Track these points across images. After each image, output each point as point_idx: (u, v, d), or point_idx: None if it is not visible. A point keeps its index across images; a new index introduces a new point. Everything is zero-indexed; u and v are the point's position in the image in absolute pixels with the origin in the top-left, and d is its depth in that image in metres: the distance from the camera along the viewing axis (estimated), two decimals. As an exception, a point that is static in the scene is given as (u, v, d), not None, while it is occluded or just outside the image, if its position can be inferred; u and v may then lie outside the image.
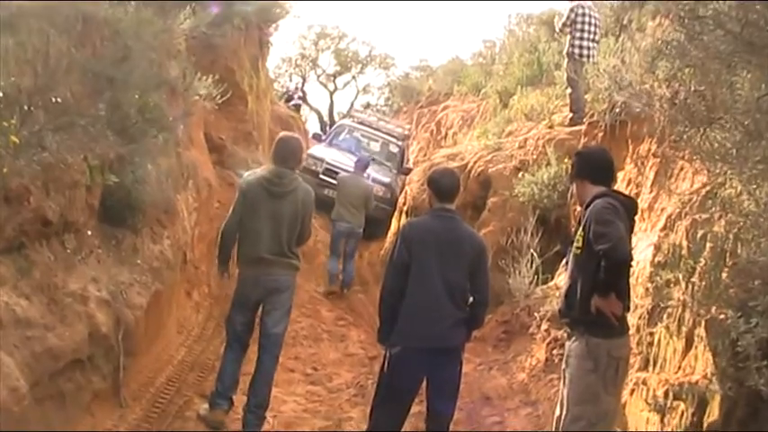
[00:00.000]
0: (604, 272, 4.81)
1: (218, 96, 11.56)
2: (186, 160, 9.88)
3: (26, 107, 5.37)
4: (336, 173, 16.37)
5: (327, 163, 17.63)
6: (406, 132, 21.67)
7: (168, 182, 8.60)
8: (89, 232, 6.66)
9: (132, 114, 7.43)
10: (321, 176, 16.94)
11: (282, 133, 7.66)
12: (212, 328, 9.62)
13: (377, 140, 20.40)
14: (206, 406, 7.06)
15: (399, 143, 20.33)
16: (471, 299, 5.98)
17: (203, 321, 9.75)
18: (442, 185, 6.08)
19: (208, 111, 12.91)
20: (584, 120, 11.11)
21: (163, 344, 8.24)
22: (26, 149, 5.25)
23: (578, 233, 5.16)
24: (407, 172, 18.72)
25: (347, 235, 13.20)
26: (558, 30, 13.43)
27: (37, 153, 5.50)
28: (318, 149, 18.99)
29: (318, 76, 43.41)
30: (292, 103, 30.83)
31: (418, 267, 5.83)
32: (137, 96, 7.56)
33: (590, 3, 13.02)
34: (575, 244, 5.21)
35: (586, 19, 12.58)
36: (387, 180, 17.85)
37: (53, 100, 5.88)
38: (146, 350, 7.53)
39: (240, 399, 7.05)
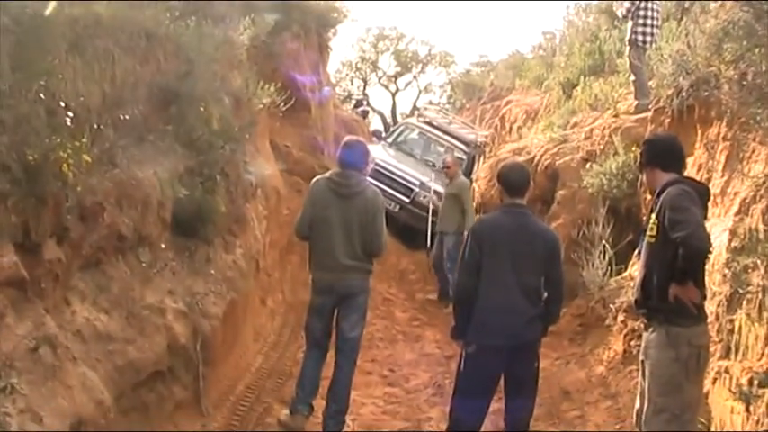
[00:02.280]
0: (683, 259, 4.71)
1: (282, 104, 11.66)
2: (254, 169, 9.97)
3: (96, 126, 5.47)
4: (386, 176, 15.47)
5: (376, 164, 15.51)
6: (481, 139, 18.82)
7: (237, 191, 8.69)
8: (163, 245, 6.76)
9: (198, 127, 7.54)
10: (367, 179, 15.26)
11: (347, 137, 7.70)
12: (288, 334, 9.71)
13: (443, 144, 18.08)
14: (286, 411, 7.10)
15: (468, 150, 17.83)
16: (545, 294, 5.94)
17: (279, 328, 9.83)
18: (511, 180, 6.03)
19: (272, 119, 13.03)
20: (650, 107, 10.95)
21: (240, 352, 8.33)
22: (98, 167, 5.36)
23: (651, 221, 5.07)
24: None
25: None
26: (620, 16, 13.22)
27: (108, 170, 5.62)
28: (371, 149, 17.27)
29: (379, 79, 43.38)
30: (361, 109, 30.82)
31: (491, 265, 5.80)
32: (202, 109, 7.66)
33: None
34: (648, 232, 5.12)
35: (649, 5, 12.39)
36: (441, 191, 15.11)
37: (121, 117, 5.99)
38: (224, 359, 7.62)
39: (319, 403, 7.08)
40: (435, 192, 15.11)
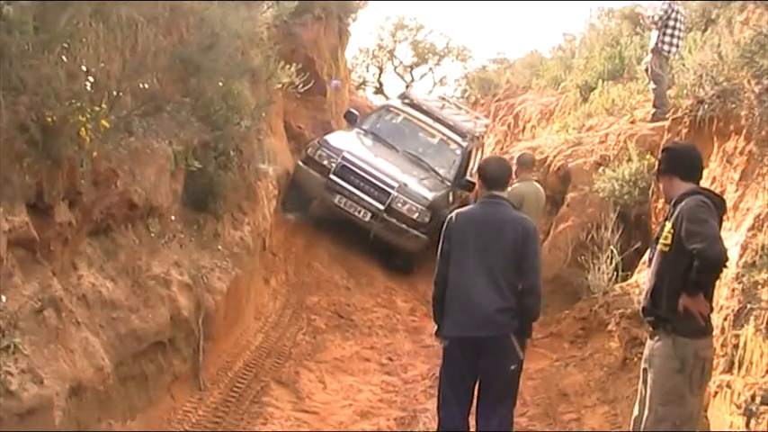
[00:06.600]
0: (697, 271, 4.67)
1: (300, 85, 11.64)
2: (267, 148, 9.96)
3: (115, 93, 5.46)
4: (355, 173, 12.15)
5: (345, 158, 12.24)
6: (481, 129, 15.67)
7: (250, 169, 8.68)
8: (172, 217, 6.77)
9: (216, 101, 7.53)
10: (332, 176, 12.10)
11: None
12: (289, 315, 9.70)
13: (433, 134, 14.37)
14: None
15: (464, 143, 14.14)
16: (519, 287, 5.59)
17: (280, 308, 9.81)
18: (489, 173, 5.90)
19: (288, 99, 12.99)
20: (668, 116, 10.93)
21: (241, 329, 8.32)
22: (114, 134, 5.35)
23: (666, 230, 5.02)
24: (469, 187, 13.52)
25: None
26: (650, 23, 13.13)
27: (124, 138, 5.60)
28: (338, 137, 13.33)
29: (395, 68, 43.26)
30: None
31: (456, 254, 5.67)
32: (221, 84, 7.64)
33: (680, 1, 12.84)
34: (661, 241, 5.07)
35: (679, 17, 12.41)
36: (428, 196, 12.45)
37: (141, 86, 5.97)
38: (225, 335, 7.62)
39: None
40: (424, 197, 12.41)
